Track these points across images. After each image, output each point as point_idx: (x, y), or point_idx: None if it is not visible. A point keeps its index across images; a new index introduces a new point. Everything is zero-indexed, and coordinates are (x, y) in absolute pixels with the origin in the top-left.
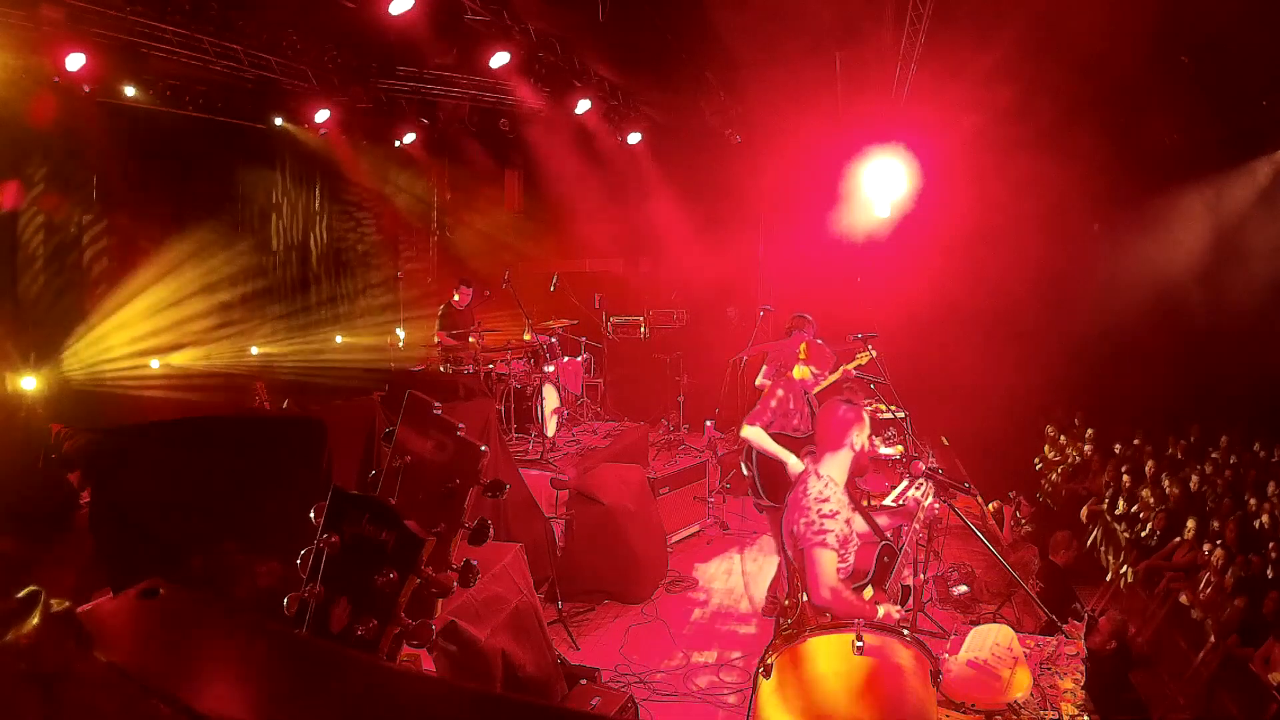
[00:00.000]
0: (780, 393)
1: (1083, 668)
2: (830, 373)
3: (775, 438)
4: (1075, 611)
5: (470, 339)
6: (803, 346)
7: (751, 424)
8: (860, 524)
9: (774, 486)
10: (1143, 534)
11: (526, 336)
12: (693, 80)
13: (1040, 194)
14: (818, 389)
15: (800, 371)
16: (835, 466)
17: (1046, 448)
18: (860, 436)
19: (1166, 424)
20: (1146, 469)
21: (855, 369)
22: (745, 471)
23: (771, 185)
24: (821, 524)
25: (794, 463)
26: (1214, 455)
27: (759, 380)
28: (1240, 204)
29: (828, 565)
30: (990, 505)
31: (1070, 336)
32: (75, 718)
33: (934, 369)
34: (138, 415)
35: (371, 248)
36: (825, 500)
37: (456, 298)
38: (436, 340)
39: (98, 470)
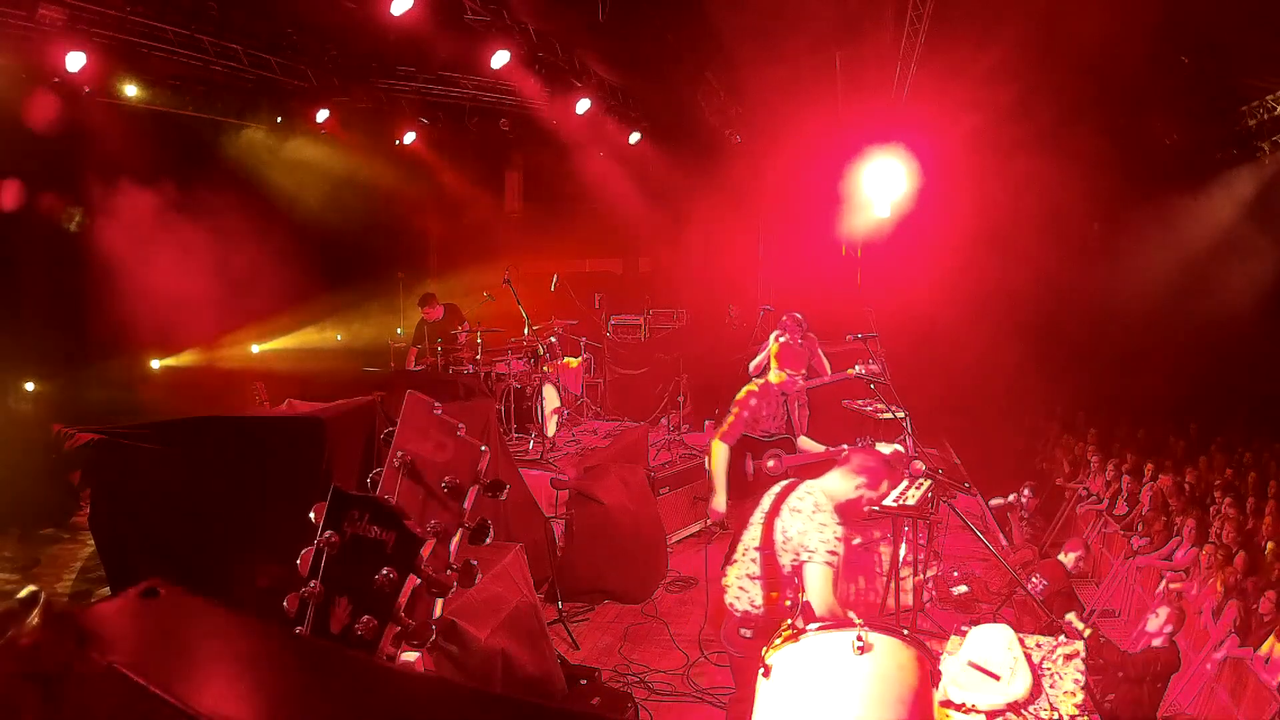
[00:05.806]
0: (753, 402)
1: (1083, 667)
2: (831, 373)
3: (741, 440)
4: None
5: (461, 336)
6: (774, 349)
7: (723, 441)
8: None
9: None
10: (1142, 534)
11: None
12: (693, 80)
13: (1040, 194)
14: (817, 384)
15: (776, 376)
16: (835, 488)
17: (1058, 449)
18: (866, 490)
19: (1167, 423)
20: (1146, 468)
21: (859, 371)
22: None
23: (771, 185)
24: (836, 544)
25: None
26: (1215, 454)
27: (751, 365)
28: (1240, 204)
29: (826, 582)
30: (992, 501)
31: (1071, 336)
32: (75, 718)
33: (934, 368)
34: (138, 415)
35: (371, 248)
36: (826, 514)
37: (424, 313)
38: (413, 356)
39: (98, 471)
